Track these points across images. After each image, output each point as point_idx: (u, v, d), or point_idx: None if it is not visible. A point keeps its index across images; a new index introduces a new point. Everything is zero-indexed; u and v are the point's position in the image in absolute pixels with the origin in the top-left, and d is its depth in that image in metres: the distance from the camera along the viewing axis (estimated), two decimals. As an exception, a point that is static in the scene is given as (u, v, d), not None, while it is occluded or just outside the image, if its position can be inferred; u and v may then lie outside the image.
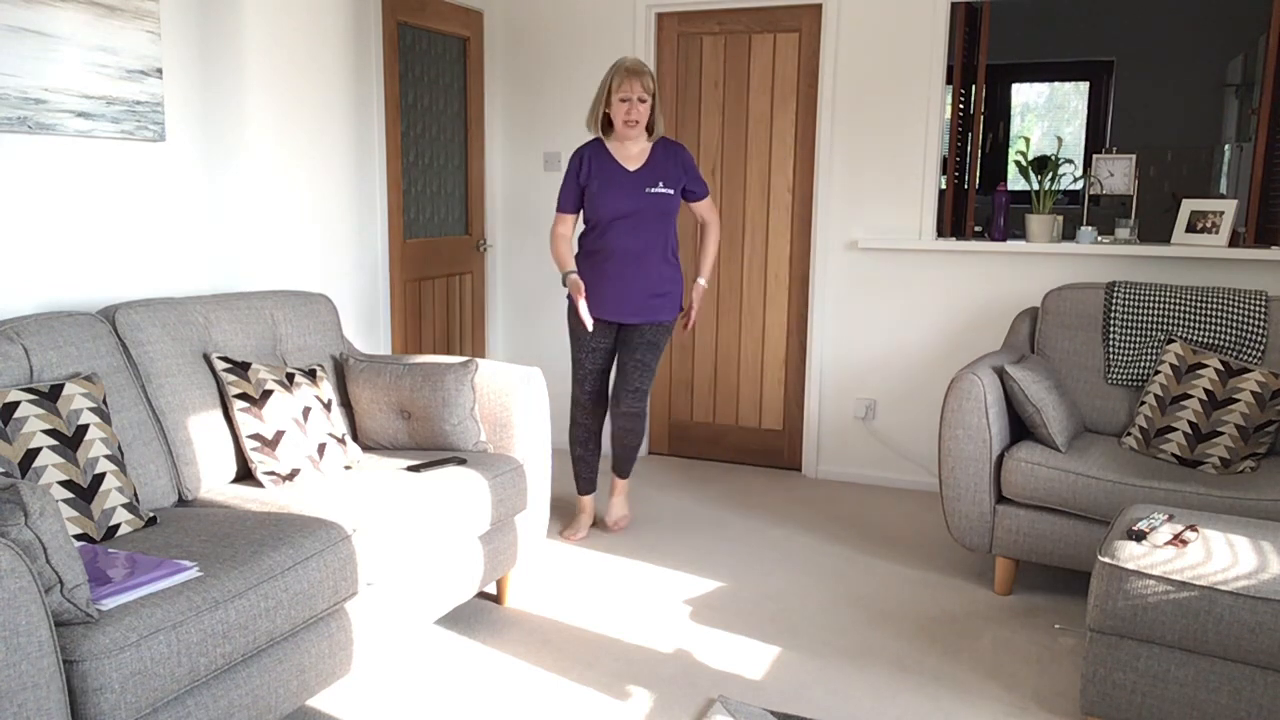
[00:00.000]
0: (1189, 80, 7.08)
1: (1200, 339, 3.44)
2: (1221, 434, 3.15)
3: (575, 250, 3.76)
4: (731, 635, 2.98)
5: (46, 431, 2.23)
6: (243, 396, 2.75)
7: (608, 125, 3.60)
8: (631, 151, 3.59)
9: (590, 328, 3.53)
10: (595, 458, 3.84)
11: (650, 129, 3.59)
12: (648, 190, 3.56)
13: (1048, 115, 8.05)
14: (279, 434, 2.75)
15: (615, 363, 3.74)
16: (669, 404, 4.92)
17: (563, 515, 4.04)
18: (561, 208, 3.64)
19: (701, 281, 3.71)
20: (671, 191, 3.59)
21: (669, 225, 3.63)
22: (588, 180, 3.59)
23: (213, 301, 2.93)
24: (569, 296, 3.67)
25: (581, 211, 3.66)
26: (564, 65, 4.78)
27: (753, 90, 4.53)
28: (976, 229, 5.62)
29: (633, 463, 3.86)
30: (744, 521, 3.99)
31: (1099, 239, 4.11)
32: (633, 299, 3.60)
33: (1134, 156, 4.15)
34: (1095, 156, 4.22)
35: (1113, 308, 3.57)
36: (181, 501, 2.66)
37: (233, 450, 2.79)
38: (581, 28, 4.72)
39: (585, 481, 3.86)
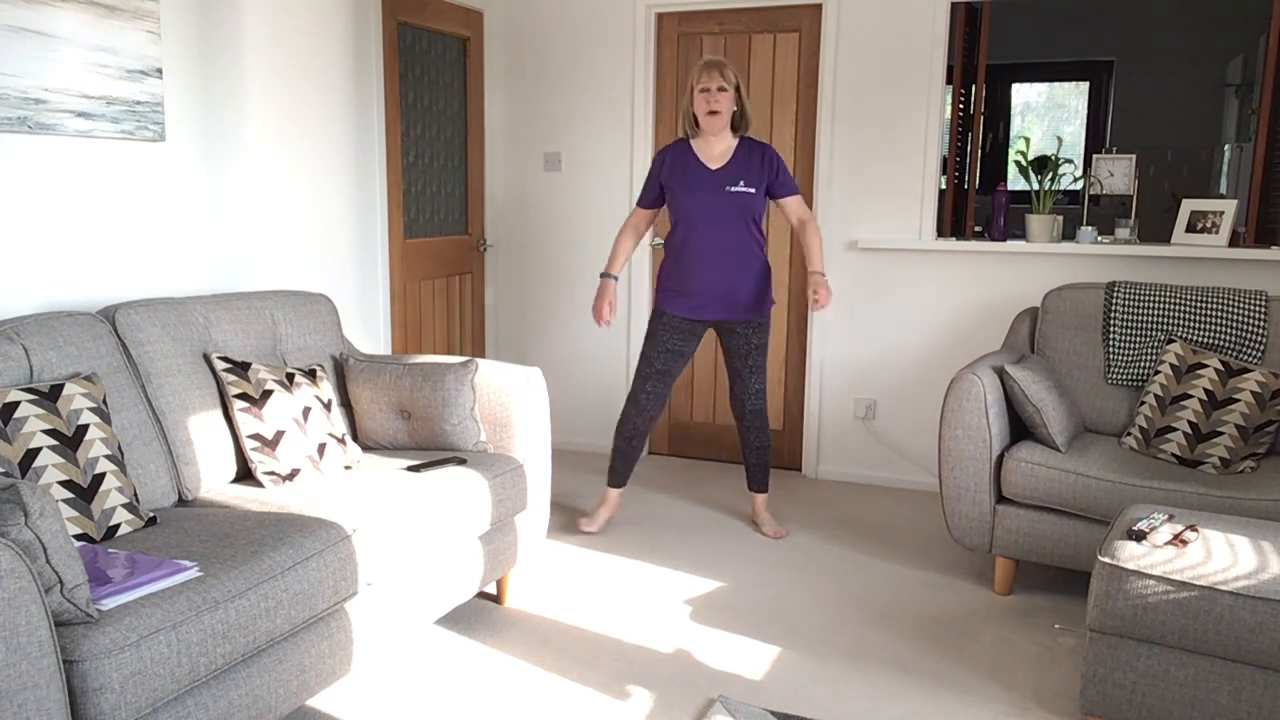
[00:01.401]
0: (1189, 80, 7.08)
1: (1200, 339, 3.44)
2: (1221, 434, 3.15)
3: (657, 247, 3.74)
4: (731, 635, 2.98)
5: (46, 431, 2.23)
6: (243, 396, 2.75)
7: (696, 125, 3.61)
8: (715, 150, 3.58)
9: (603, 325, 3.58)
10: (636, 455, 3.81)
11: (735, 125, 3.58)
12: (728, 189, 3.54)
13: (1048, 115, 8.05)
14: (279, 434, 2.75)
15: (728, 370, 3.73)
16: (669, 404, 4.91)
17: (565, 514, 4.04)
18: (639, 202, 3.71)
19: (818, 269, 3.56)
20: (753, 190, 3.55)
21: (753, 223, 3.59)
22: (668, 178, 3.60)
23: (213, 301, 2.93)
24: (655, 294, 3.71)
25: (657, 210, 3.70)
26: (564, 65, 4.78)
27: (753, 90, 4.53)
28: (976, 229, 5.62)
29: (768, 474, 3.86)
30: (744, 522, 3.99)
31: (1099, 239, 4.11)
32: (719, 298, 3.59)
33: (1134, 156, 4.15)
34: (1095, 156, 4.22)
35: (1113, 308, 3.57)
36: (181, 501, 2.66)
37: (233, 450, 2.79)
38: (581, 28, 4.72)
39: (618, 474, 3.83)
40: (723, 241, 3.56)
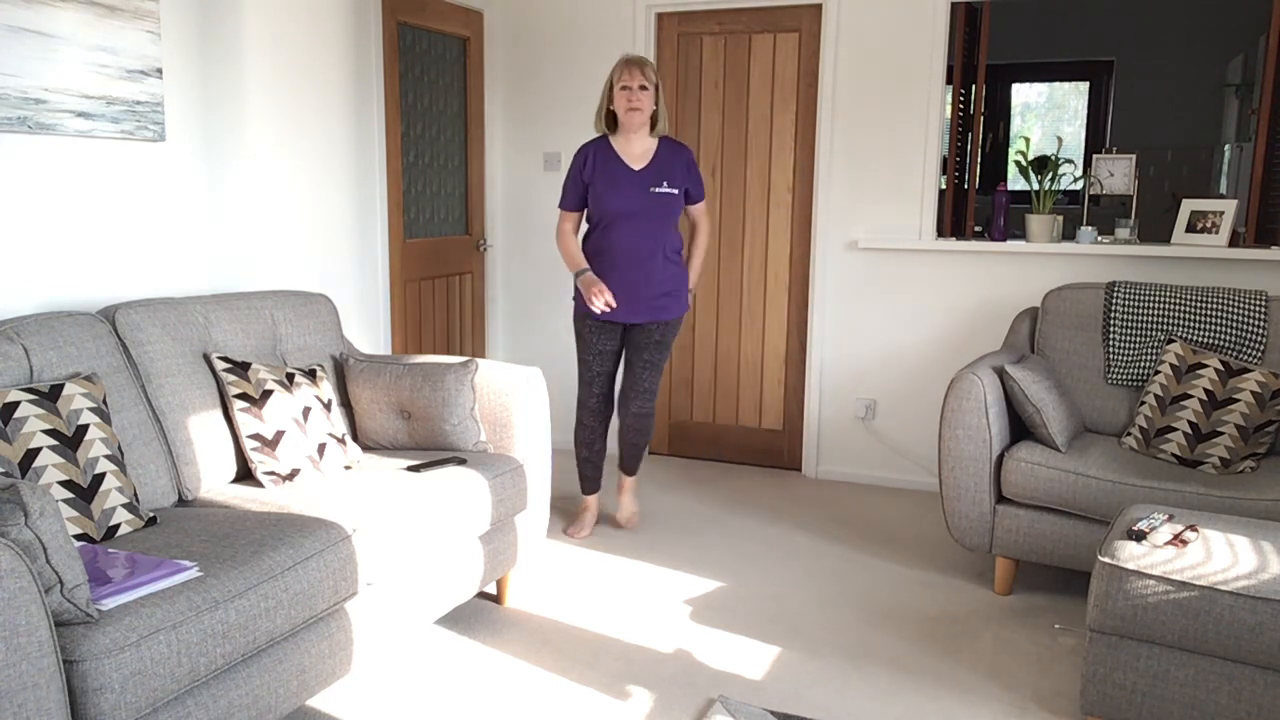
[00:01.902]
0: (1189, 80, 7.08)
1: (1200, 339, 3.44)
2: (1221, 434, 3.15)
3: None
4: (731, 635, 2.98)
5: (46, 431, 2.23)
6: (243, 396, 2.75)
7: (613, 123, 3.60)
8: (636, 150, 3.59)
9: (600, 312, 3.48)
10: (601, 458, 3.84)
11: (654, 123, 3.59)
12: (652, 190, 3.55)
13: (1048, 115, 8.05)
14: (279, 434, 2.75)
15: (623, 363, 3.74)
16: (669, 404, 4.92)
17: (564, 515, 4.04)
18: (564, 205, 3.65)
19: (690, 286, 3.73)
20: (676, 191, 3.58)
21: (672, 224, 3.63)
22: (592, 178, 3.58)
23: (213, 301, 2.93)
24: (575, 298, 3.67)
25: (585, 210, 3.66)
26: (564, 65, 4.78)
27: (753, 90, 4.53)
28: (976, 229, 5.62)
29: (641, 460, 3.87)
30: (744, 521, 3.99)
31: (1099, 239, 4.11)
32: (638, 298, 3.59)
33: (1134, 156, 4.15)
34: (1095, 156, 4.22)
35: (1113, 308, 3.57)
36: (181, 501, 2.66)
37: (233, 450, 2.79)
38: (581, 28, 4.72)
39: (590, 481, 3.86)
40: (645, 242, 3.56)
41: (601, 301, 3.46)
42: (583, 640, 2.94)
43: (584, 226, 3.75)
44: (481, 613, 3.13)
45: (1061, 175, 4.13)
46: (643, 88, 3.49)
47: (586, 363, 3.71)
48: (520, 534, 3.15)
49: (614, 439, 4.86)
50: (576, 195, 3.63)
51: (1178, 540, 2.36)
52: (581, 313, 3.68)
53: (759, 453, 4.78)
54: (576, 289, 3.64)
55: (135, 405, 2.58)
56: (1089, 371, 3.58)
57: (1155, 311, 3.51)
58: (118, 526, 2.29)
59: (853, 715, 2.53)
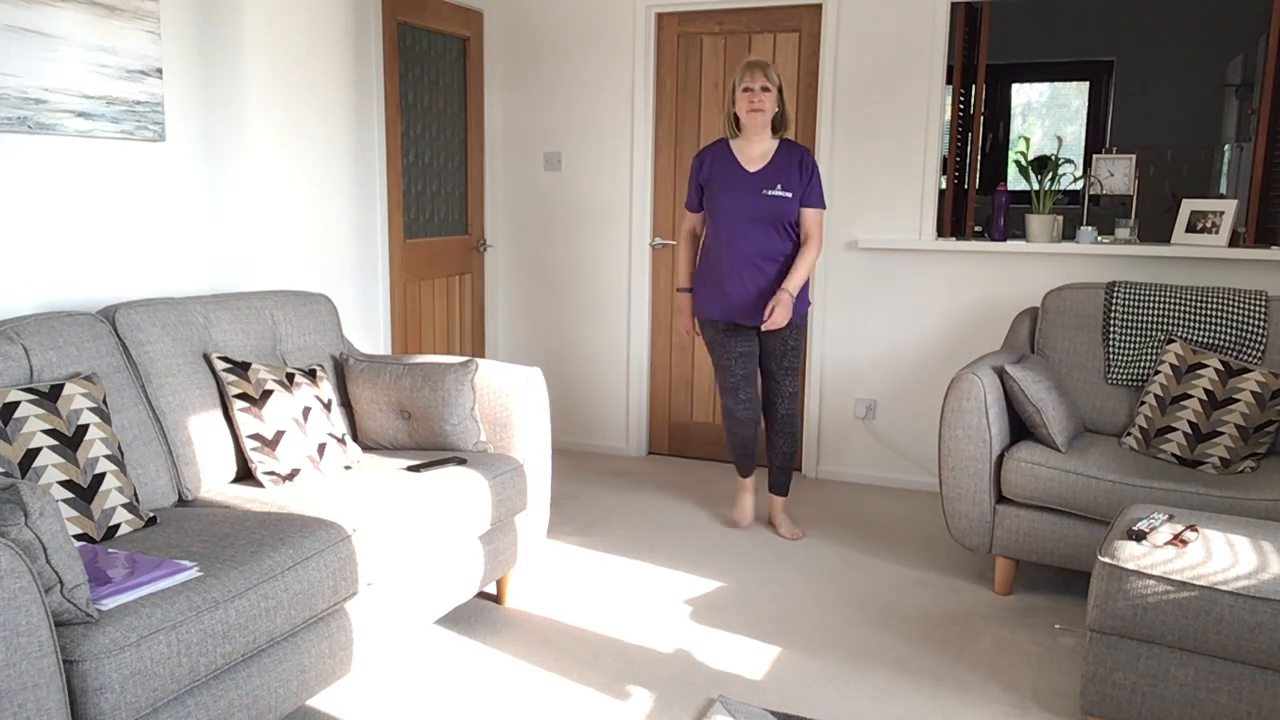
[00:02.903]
0: (1189, 80, 7.08)
1: (1200, 339, 3.44)
2: (1221, 434, 3.15)
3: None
4: (731, 635, 2.98)
5: (46, 431, 2.23)
6: (243, 396, 2.75)
7: (737, 126, 3.59)
8: (754, 152, 3.56)
9: (686, 336, 3.55)
10: (754, 450, 3.83)
11: (776, 126, 3.57)
12: (765, 193, 3.51)
13: (1048, 115, 8.05)
14: (279, 434, 2.75)
15: (761, 371, 3.73)
16: (669, 404, 4.91)
17: (565, 514, 4.03)
18: (689, 205, 3.71)
19: (787, 288, 3.45)
20: (790, 195, 3.51)
21: (788, 227, 3.55)
22: (708, 180, 3.59)
23: (213, 301, 2.93)
24: (696, 310, 3.71)
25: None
26: (564, 65, 4.78)
27: (753, 90, 4.53)
28: (976, 229, 5.62)
29: (791, 477, 3.86)
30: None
31: (1099, 239, 4.11)
32: (755, 302, 3.56)
33: (1134, 156, 4.15)
34: (1095, 156, 4.22)
35: (1113, 308, 3.57)
36: (181, 501, 2.66)
37: (233, 450, 2.79)
38: (581, 28, 4.72)
39: (745, 467, 3.86)
40: (757, 244, 3.53)
41: (683, 327, 3.72)
42: (582, 640, 2.94)
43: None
44: (481, 613, 3.13)
45: (1061, 175, 4.13)
46: (765, 89, 3.48)
47: (728, 368, 3.68)
48: (520, 534, 3.15)
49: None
50: (695, 195, 3.68)
51: (1178, 540, 2.36)
52: (709, 319, 3.67)
53: (759, 453, 4.78)
54: (697, 284, 3.69)
55: (135, 405, 2.58)
56: (1089, 371, 3.58)
57: (1155, 311, 3.51)
58: (118, 526, 2.29)
59: (853, 715, 2.53)
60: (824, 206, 3.57)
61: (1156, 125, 7.21)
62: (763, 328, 3.46)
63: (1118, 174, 4.14)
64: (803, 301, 3.65)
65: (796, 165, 3.55)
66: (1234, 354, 3.39)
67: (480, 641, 2.93)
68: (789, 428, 3.76)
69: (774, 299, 3.43)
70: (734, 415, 3.74)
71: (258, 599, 2.09)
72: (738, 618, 3.10)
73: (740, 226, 3.53)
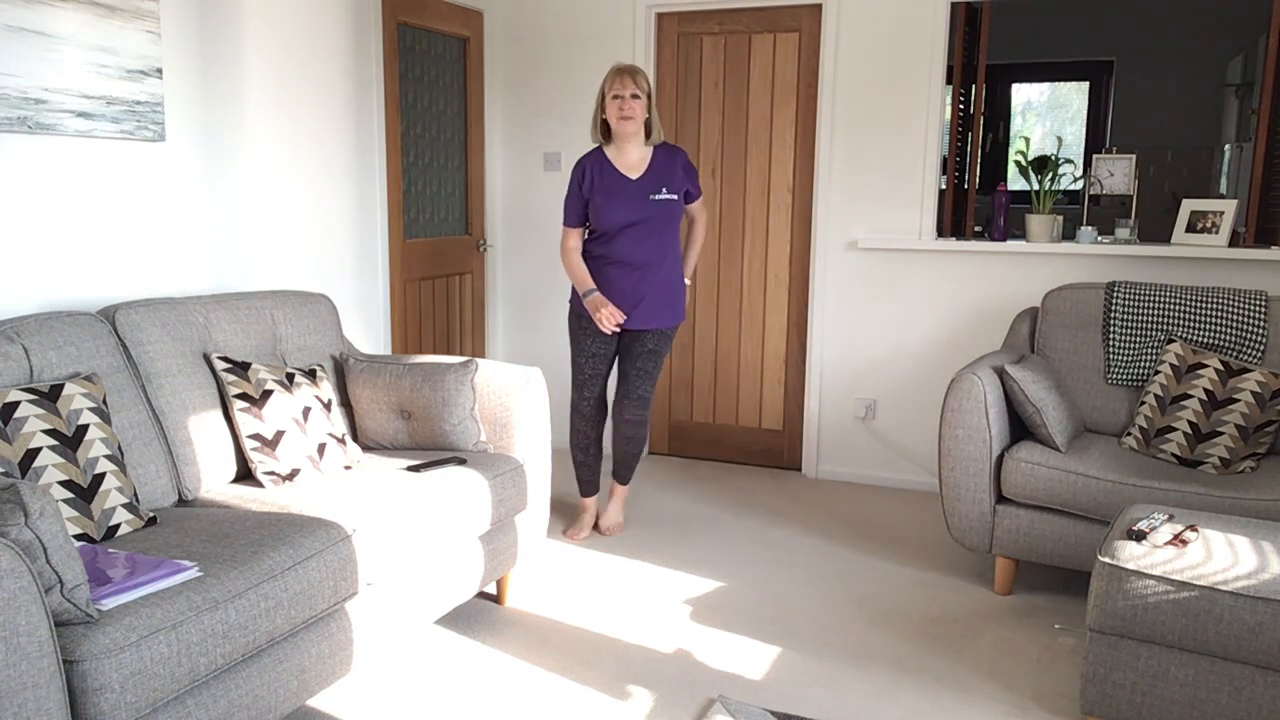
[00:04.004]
0: (1189, 80, 7.08)
1: (1200, 339, 3.44)
2: (1221, 434, 3.15)
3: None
4: (731, 635, 2.98)
5: (46, 431, 2.23)
6: (243, 396, 2.75)
7: (608, 133, 3.59)
8: (632, 159, 3.57)
9: (616, 327, 3.53)
10: (598, 462, 3.84)
11: (649, 132, 3.58)
12: (652, 198, 3.54)
13: (1048, 115, 8.05)
14: (279, 434, 2.75)
15: (617, 370, 3.74)
16: (669, 404, 4.92)
17: (564, 515, 4.04)
18: (568, 221, 3.63)
19: (686, 280, 3.72)
20: (676, 197, 3.58)
21: (674, 230, 3.62)
22: (591, 192, 3.57)
23: (213, 301, 2.93)
24: (571, 299, 3.67)
25: (588, 224, 3.65)
26: (564, 65, 4.78)
27: (753, 90, 4.53)
28: (976, 229, 5.62)
29: (634, 469, 3.86)
30: (744, 521, 3.99)
31: (1099, 239, 4.11)
32: (639, 306, 3.59)
33: (1134, 156, 4.15)
34: (1095, 156, 4.22)
35: (1113, 308, 3.57)
36: (181, 501, 2.66)
37: (233, 450, 2.78)
38: (581, 28, 4.72)
39: (588, 484, 3.86)
40: (646, 251, 3.56)
41: (612, 323, 3.51)
42: (582, 640, 2.94)
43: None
44: (481, 613, 3.13)
45: (1061, 175, 4.13)
46: (634, 96, 3.48)
47: (579, 365, 3.71)
48: (520, 534, 3.15)
49: (608, 442, 4.86)
50: (578, 211, 3.62)
51: (1178, 540, 2.36)
52: (577, 312, 3.68)
53: (759, 453, 4.78)
54: (574, 290, 3.64)
55: (135, 405, 2.58)
56: (1089, 371, 3.58)
57: (1155, 311, 3.51)
58: (118, 526, 2.29)
59: (853, 715, 2.53)
60: (702, 194, 3.77)
61: (1156, 125, 7.21)
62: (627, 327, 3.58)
63: (1118, 174, 4.14)
64: (676, 313, 3.67)
65: (679, 167, 3.60)
66: (1234, 354, 3.39)
67: (480, 641, 2.93)
68: (635, 432, 3.72)
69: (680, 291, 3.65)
70: (579, 410, 3.74)
71: (258, 599, 2.09)
72: (738, 618, 3.10)
73: (633, 233, 3.54)
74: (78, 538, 2.21)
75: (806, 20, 4.41)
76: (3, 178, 2.64)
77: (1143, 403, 3.36)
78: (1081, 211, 6.19)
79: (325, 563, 2.28)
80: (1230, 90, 6.79)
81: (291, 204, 3.63)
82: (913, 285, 4.36)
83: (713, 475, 4.64)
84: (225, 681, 2.05)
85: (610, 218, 3.53)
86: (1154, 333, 3.50)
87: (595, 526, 3.86)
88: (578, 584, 3.35)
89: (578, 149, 4.80)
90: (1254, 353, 3.37)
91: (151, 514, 2.40)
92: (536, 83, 4.84)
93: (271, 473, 2.71)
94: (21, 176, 2.69)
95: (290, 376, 2.88)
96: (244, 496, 2.63)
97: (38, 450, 2.20)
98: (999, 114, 7.72)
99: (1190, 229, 3.95)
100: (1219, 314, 3.43)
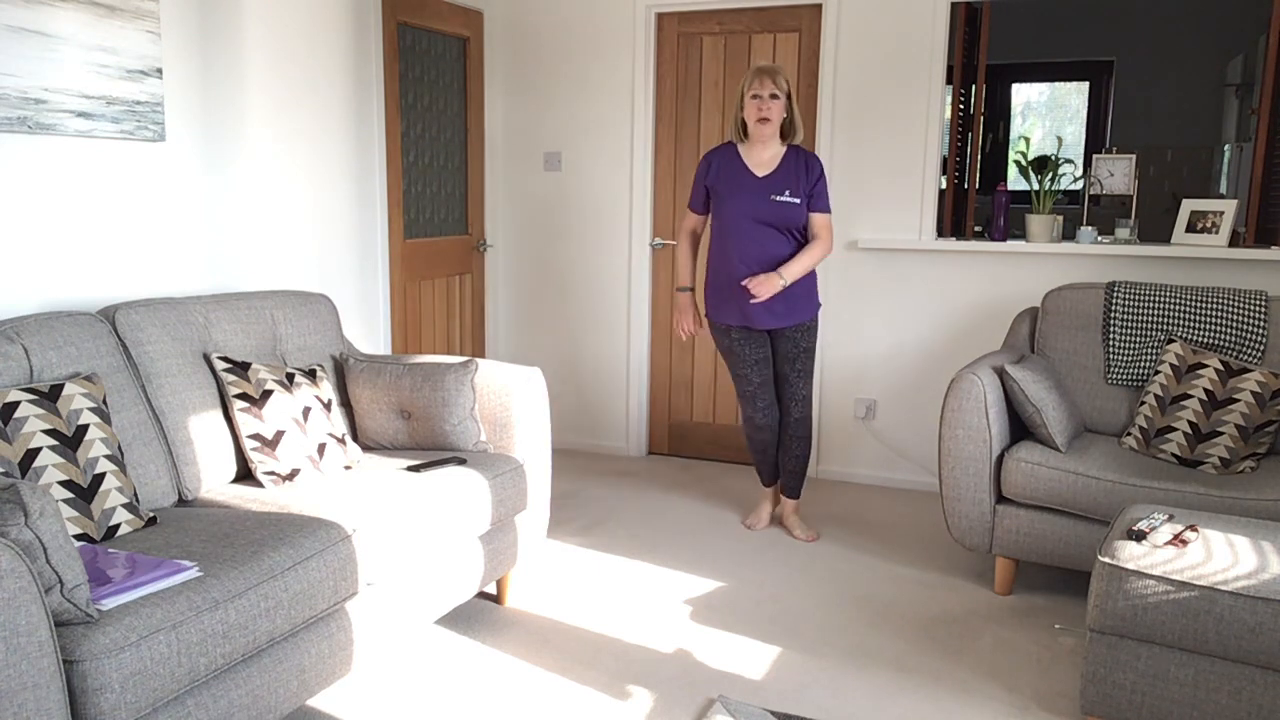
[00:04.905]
0: (1189, 80, 7.08)
1: (1200, 339, 3.44)
2: (1221, 434, 3.15)
3: (704, 255, 3.72)
4: (731, 635, 2.98)
5: (46, 431, 2.23)
6: (243, 396, 2.75)
7: (744, 132, 3.58)
8: (762, 157, 3.55)
9: (684, 338, 3.66)
10: (777, 453, 3.82)
11: (784, 133, 3.55)
12: (773, 198, 3.49)
13: (1048, 115, 8.05)
14: (279, 434, 2.75)
15: (775, 375, 3.71)
16: (669, 404, 4.92)
17: (565, 515, 4.03)
18: (691, 204, 3.69)
19: (780, 275, 3.45)
20: (798, 201, 3.50)
21: (796, 233, 3.54)
22: (714, 182, 3.57)
23: (213, 301, 2.93)
24: (708, 315, 3.70)
25: (709, 213, 3.65)
26: (564, 65, 4.78)
27: (753, 90, 4.53)
28: (976, 229, 5.62)
29: (804, 480, 3.87)
30: (743, 521, 3.98)
31: (1099, 239, 4.11)
32: (764, 307, 3.54)
33: (1134, 156, 4.15)
34: (1095, 156, 4.22)
35: (1113, 308, 3.57)
36: (181, 501, 2.66)
37: (233, 450, 2.79)
38: (581, 28, 4.72)
39: (767, 474, 3.88)
40: (765, 249, 3.51)
41: (680, 329, 3.66)
42: (582, 640, 2.94)
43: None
44: (481, 612, 3.13)
45: (1061, 175, 4.13)
46: (773, 96, 3.46)
47: (744, 377, 3.67)
48: (520, 534, 3.15)
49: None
50: (700, 198, 3.66)
51: (1178, 540, 2.36)
52: (722, 327, 3.65)
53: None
54: (709, 303, 3.67)
55: (135, 405, 2.58)
56: (1089, 371, 3.58)
57: (1155, 311, 3.51)
58: (118, 526, 2.29)
59: (853, 715, 2.53)
60: (829, 211, 3.57)
61: (1156, 125, 7.21)
62: (752, 300, 3.48)
63: (1118, 174, 4.14)
64: (812, 303, 3.65)
65: (804, 171, 3.53)
66: (1234, 354, 3.39)
67: (480, 641, 2.93)
68: (802, 431, 3.74)
69: (767, 274, 3.44)
70: (754, 423, 3.74)
71: (258, 599, 2.09)
72: (738, 618, 3.10)
73: (749, 230, 3.52)
74: (78, 538, 2.21)
75: (806, 20, 4.41)
76: (3, 178, 2.64)
77: (1143, 403, 3.36)
78: (1081, 211, 6.19)
79: (325, 563, 2.28)
80: (1230, 90, 6.79)
81: (291, 204, 3.63)
82: (913, 285, 4.36)
83: (713, 475, 4.64)
84: (225, 681, 2.05)
85: (728, 211, 3.52)
86: (1154, 333, 3.50)
87: (790, 534, 3.83)
88: (578, 584, 3.35)
89: (578, 149, 4.81)
90: (1254, 353, 3.37)
91: (151, 514, 2.41)
92: (536, 83, 4.84)
93: (271, 473, 2.71)
94: (21, 176, 2.69)
95: (290, 376, 2.88)
96: (244, 496, 2.63)
97: (38, 450, 2.20)
98: (999, 114, 7.72)
99: (1190, 229, 3.95)
100: (1219, 314, 3.43)
